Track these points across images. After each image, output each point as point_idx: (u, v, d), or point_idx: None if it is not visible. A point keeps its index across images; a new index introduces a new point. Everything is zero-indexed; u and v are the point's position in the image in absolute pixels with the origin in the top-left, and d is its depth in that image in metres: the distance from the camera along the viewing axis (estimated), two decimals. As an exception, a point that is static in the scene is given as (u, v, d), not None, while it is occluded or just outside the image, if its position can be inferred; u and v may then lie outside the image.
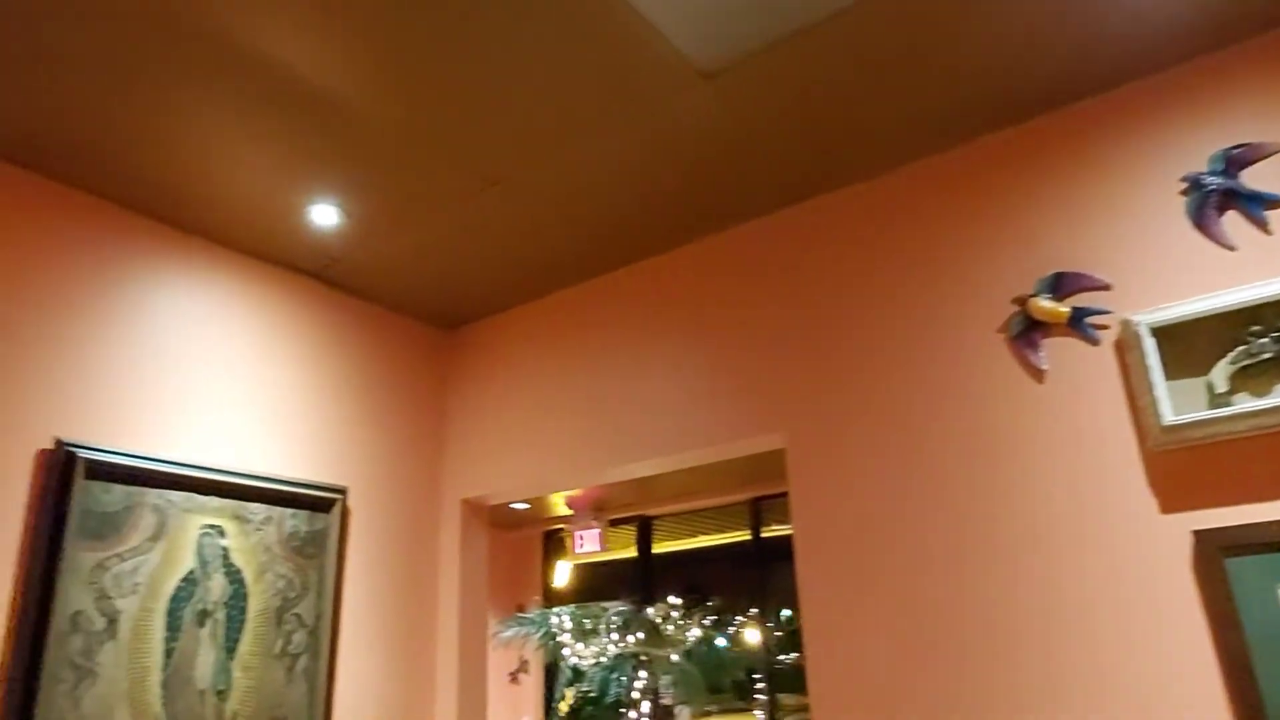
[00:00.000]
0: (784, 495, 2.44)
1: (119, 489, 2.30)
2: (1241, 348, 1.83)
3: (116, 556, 2.26)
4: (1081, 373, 2.02)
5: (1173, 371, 1.88)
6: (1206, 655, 1.73)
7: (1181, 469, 1.85)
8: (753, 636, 4.29)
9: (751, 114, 2.18)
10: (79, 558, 2.18)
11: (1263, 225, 1.87)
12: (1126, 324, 1.94)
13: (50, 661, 2.05)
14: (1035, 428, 2.04)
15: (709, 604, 4.11)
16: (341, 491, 2.83)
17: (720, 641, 4.11)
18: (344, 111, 2.12)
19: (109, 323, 2.38)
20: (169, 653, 2.31)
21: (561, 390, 3.01)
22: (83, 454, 2.21)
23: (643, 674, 3.66)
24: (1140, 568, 1.84)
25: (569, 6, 1.81)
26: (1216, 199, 1.92)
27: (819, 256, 2.52)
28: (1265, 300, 1.80)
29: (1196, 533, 1.78)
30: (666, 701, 3.75)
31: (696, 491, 4.05)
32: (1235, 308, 1.83)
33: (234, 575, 2.51)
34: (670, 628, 3.78)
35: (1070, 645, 1.88)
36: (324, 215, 2.57)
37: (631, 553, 4.51)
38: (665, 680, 3.71)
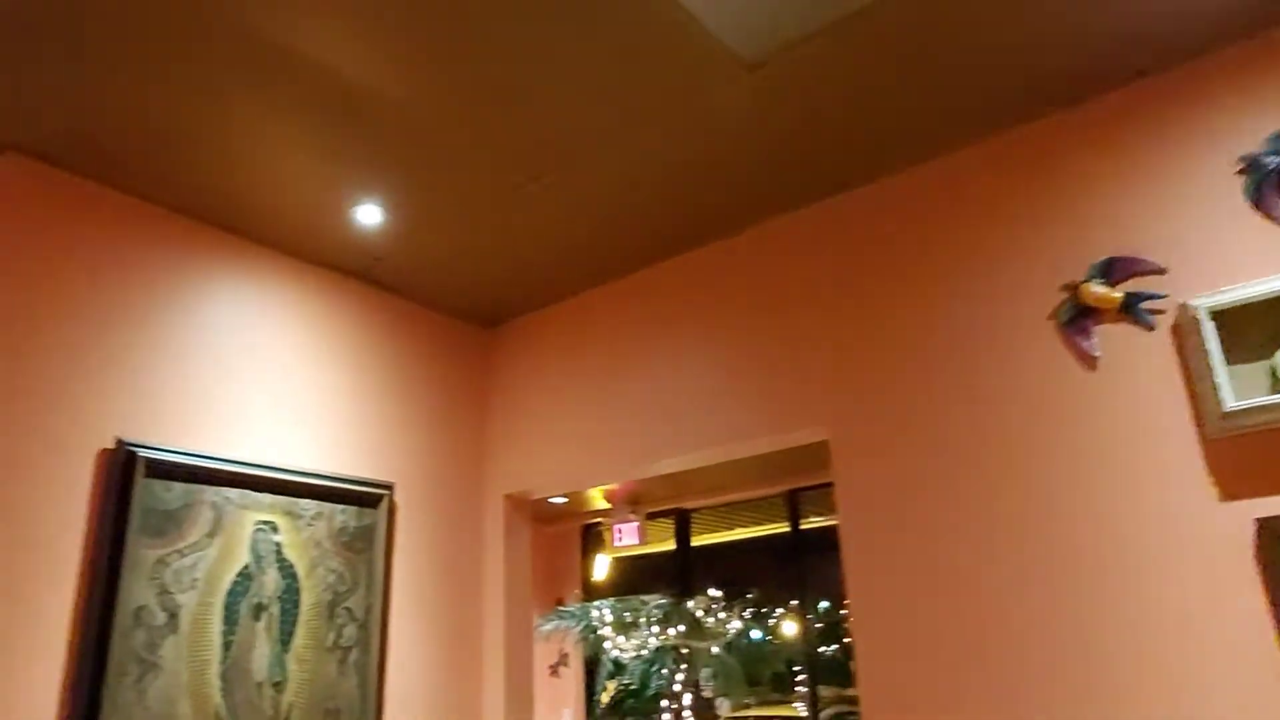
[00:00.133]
0: (823, 487, 2.43)
1: (178, 486, 2.35)
2: (1305, 331, 1.79)
3: (176, 552, 2.31)
4: (1136, 359, 1.99)
5: (1231, 357, 1.85)
6: (1269, 644, 1.70)
7: (1242, 456, 1.81)
8: (791, 628, 4.30)
9: (796, 103, 2.17)
10: (140, 554, 2.23)
11: (1325, 205, 1.84)
12: (1184, 308, 1.91)
13: (116, 655, 2.11)
14: (1088, 416, 2.02)
15: (748, 596, 4.12)
16: (388, 487, 2.87)
17: (756, 634, 4.11)
18: (389, 112, 2.14)
19: (165, 326, 2.43)
20: (227, 646, 2.36)
21: (601, 385, 3.02)
22: (143, 453, 2.26)
23: (683, 666, 3.68)
24: (1201, 557, 1.81)
25: (612, 2, 1.81)
26: (1276, 179, 1.88)
27: (864, 245, 2.50)
28: (1329, 282, 1.76)
29: (1260, 520, 1.75)
30: (707, 694, 3.77)
31: (734, 484, 4.05)
32: (1297, 290, 1.79)
33: (287, 570, 2.56)
34: (710, 620, 3.79)
35: (1132, 637, 1.86)
36: (368, 215, 2.60)
37: (670, 545, 4.53)
38: (705, 673, 3.73)
